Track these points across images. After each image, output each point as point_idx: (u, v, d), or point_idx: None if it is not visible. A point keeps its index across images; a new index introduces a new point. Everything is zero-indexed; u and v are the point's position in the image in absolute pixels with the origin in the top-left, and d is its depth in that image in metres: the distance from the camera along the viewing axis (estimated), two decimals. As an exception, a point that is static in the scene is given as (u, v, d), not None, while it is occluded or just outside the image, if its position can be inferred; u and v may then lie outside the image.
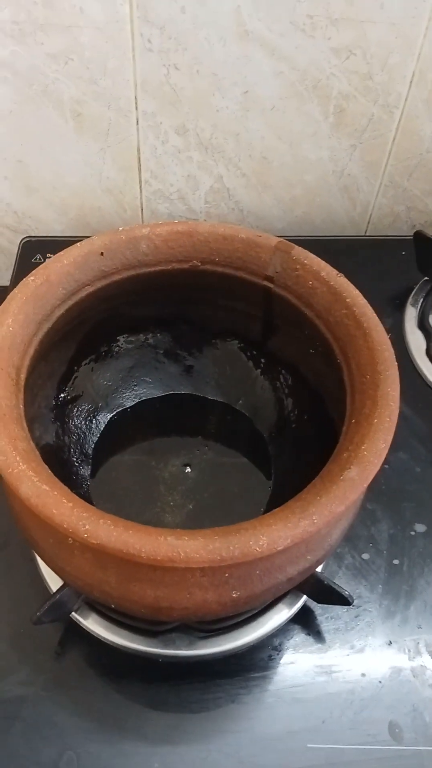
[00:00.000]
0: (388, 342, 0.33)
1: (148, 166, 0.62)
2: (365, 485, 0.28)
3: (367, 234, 0.70)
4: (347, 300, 0.34)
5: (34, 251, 0.62)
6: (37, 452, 0.31)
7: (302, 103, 0.57)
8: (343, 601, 0.38)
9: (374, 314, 0.34)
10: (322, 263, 0.36)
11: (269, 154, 0.61)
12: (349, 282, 0.35)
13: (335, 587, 0.37)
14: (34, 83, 0.55)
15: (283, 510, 0.28)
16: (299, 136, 0.60)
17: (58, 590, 0.37)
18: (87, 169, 0.61)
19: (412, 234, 0.61)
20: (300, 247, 0.37)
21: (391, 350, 0.32)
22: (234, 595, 0.30)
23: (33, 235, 0.65)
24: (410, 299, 0.59)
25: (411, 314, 0.58)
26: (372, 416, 0.30)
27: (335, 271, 0.36)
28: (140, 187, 0.63)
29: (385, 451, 0.29)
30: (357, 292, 0.35)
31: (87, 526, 0.26)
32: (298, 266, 0.36)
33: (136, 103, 0.57)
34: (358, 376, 0.33)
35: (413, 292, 0.60)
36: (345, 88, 0.57)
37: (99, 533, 0.26)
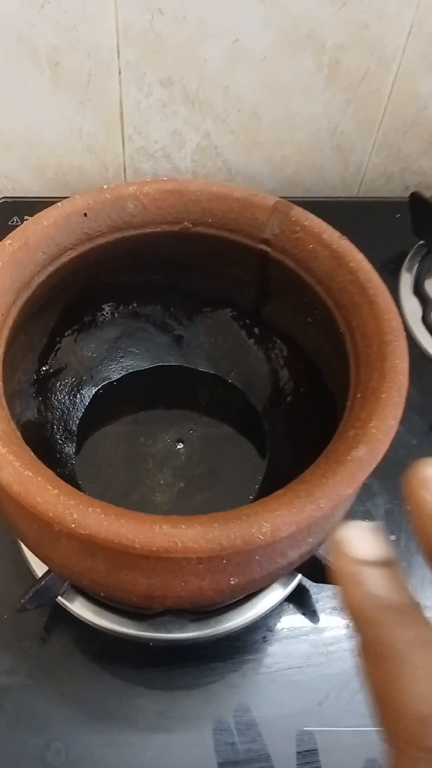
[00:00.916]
0: (396, 310, 0.31)
1: (132, 122, 0.58)
2: (374, 465, 0.26)
3: (360, 195, 0.67)
4: (351, 265, 0.32)
5: (11, 213, 0.58)
6: (18, 433, 0.28)
7: (295, 54, 0.54)
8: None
9: (380, 280, 0.31)
10: (324, 225, 0.33)
11: (259, 109, 0.58)
12: (352, 245, 0.33)
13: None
14: (6, 30, 0.51)
15: (286, 493, 0.26)
16: (291, 89, 0.57)
17: (43, 576, 0.35)
18: (65, 124, 0.58)
19: (405, 195, 0.59)
20: (300, 208, 0.34)
21: (399, 319, 0.30)
22: (232, 582, 0.28)
23: (9, 195, 0.62)
24: (405, 264, 0.57)
25: (406, 280, 0.56)
26: (380, 390, 0.28)
27: (338, 234, 0.33)
28: (123, 144, 0.60)
29: (395, 428, 0.27)
30: (361, 256, 0.32)
31: (75, 516, 0.24)
32: (297, 228, 0.34)
33: (118, 52, 0.53)
34: (362, 347, 0.30)
35: (408, 257, 0.58)
36: (340, 39, 0.53)
37: (88, 523, 0.24)
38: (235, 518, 0.25)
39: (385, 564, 0.16)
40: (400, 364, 0.28)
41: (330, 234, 0.33)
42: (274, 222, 0.34)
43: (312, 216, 0.34)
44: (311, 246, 0.33)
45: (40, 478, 0.25)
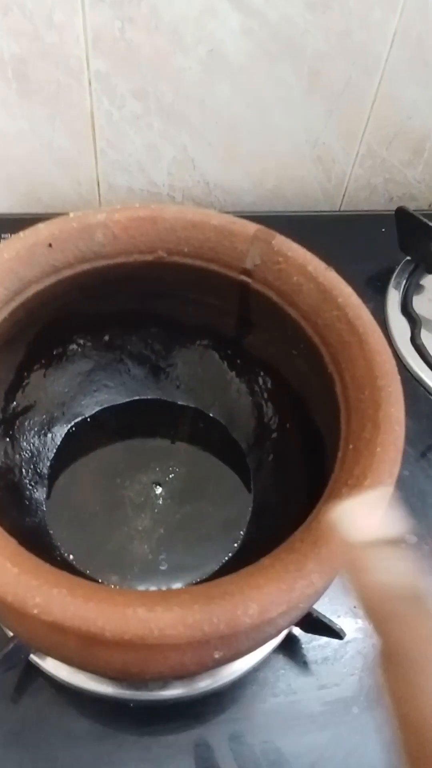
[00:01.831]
0: (388, 350, 0.28)
1: (104, 135, 0.55)
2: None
3: (342, 209, 0.65)
4: (339, 300, 0.29)
5: (-22, 232, 0.55)
6: (-24, 495, 0.25)
7: (273, 64, 0.52)
8: (334, 635, 0.34)
9: (370, 316, 0.29)
10: (309, 255, 0.31)
11: (237, 121, 0.55)
12: (339, 278, 0.30)
13: (325, 621, 0.33)
14: (-32, 39, 0.48)
15: (274, 564, 0.23)
16: (270, 101, 0.54)
17: (12, 637, 0.32)
18: (36, 138, 0.55)
19: (389, 208, 0.57)
20: (282, 236, 0.32)
21: (393, 361, 0.28)
22: (216, 656, 0.25)
23: (-24, 213, 0.59)
24: (392, 281, 0.55)
25: (393, 298, 0.54)
26: (374, 443, 0.25)
27: (324, 265, 0.31)
28: (95, 157, 0.57)
29: (392, 486, 0.25)
30: (350, 290, 0.30)
31: (37, 599, 0.21)
32: (280, 258, 0.31)
33: (87, 63, 0.50)
34: (353, 391, 0.28)
35: (395, 274, 0.56)
36: (321, 47, 0.51)
37: (52, 608, 0.21)
38: (218, 597, 0.22)
39: (392, 543, 0.16)
40: (395, 413, 0.26)
41: (315, 266, 0.30)
42: (255, 252, 0.32)
43: (296, 246, 0.31)
44: (295, 278, 0.31)
45: (-2, 554, 0.23)
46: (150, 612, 0.21)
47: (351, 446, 0.26)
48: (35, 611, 0.21)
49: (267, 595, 0.22)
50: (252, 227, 0.32)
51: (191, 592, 0.23)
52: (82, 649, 0.25)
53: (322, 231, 0.60)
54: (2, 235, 0.54)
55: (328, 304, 0.30)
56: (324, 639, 0.37)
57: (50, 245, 0.31)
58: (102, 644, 0.23)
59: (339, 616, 0.38)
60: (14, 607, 0.22)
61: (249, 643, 0.26)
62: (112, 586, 0.35)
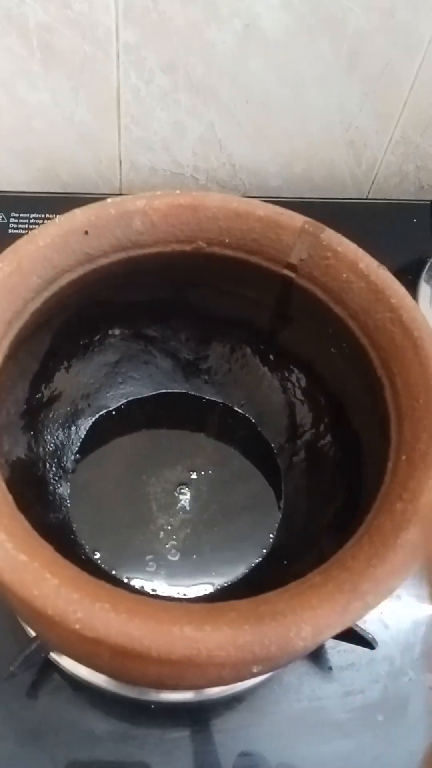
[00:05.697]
0: (445, 357, 0.27)
1: (129, 110, 0.53)
2: (427, 550, 0.23)
3: (370, 196, 0.63)
4: (392, 301, 0.28)
5: (-5, 209, 0.53)
6: (10, 498, 0.24)
7: (312, 42, 0.49)
8: (366, 644, 0.33)
9: (426, 320, 0.28)
10: (360, 252, 0.29)
11: (269, 99, 0.53)
12: (393, 277, 0.29)
13: (358, 630, 0.32)
14: (-7, 4, 0.46)
15: (326, 583, 0.22)
16: (305, 80, 0.52)
17: (34, 638, 0.31)
18: (56, 111, 0.52)
19: (420, 197, 0.55)
20: (332, 230, 0.30)
21: (450, 368, 0.26)
22: (255, 670, 0.24)
23: (-7, 188, 0.57)
24: (424, 275, 0.53)
25: (425, 293, 0.52)
26: (430, 455, 0.24)
27: (376, 263, 0.29)
28: (119, 134, 0.55)
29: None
30: (404, 290, 0.28)
31: (79, 614, 0.20)
32: (329, 254, 0.30)
33: (116, 34, 0.48)
34: (406, 398, 0.27)
35: (427, 267, 0.54)
36: (363, 26, 0.48)
37: (95, 623, 0.20)
38: (269, 617, 0.21)
39: None
40: (453, 425, 0.25)
41: (367, 263, 0.29)
42: (302, 245, 0.30)
43: (346, 241, 0.30)
44: (345, 275, 0.29)
45: (36, 564, 0.21)
46: (198, 631, 0.20)
47: (404, 457, 0.25)
48: (77, 626, 0.20)
49: (321, 616, 0.21)
50: (300, 219, 0.30)
51: (239, 610, 0.21)
52: (119, 661, 0.24)
53: (349, 219, 0.58)
54: (21, 215, 0.52)
55: (380, 304, 0.28)
56: (349, 644, 0.36)
57: (86, 232, 0.30)
58: (142, 660, 0.22)
59: (365, 622, 0.37)
60: (54, 621, 0.20)
61: (291, 659, 0.25)
62: (151, 591, 0.34)
